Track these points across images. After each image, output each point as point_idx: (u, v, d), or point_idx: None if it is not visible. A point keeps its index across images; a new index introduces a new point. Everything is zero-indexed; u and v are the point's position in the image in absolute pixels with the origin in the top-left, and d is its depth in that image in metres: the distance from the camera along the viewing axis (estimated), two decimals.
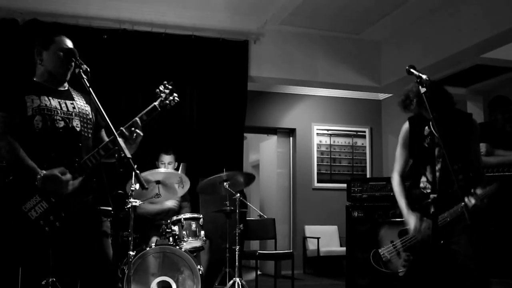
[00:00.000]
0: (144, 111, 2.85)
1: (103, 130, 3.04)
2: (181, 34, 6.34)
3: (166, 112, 5.93)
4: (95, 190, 2.81)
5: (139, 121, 2.81)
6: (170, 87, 2.93)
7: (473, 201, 2.86)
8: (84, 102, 2.93)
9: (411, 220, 3.06)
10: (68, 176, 2.62)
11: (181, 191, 4.62)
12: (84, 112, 2.88)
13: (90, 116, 2.92)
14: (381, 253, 3.27)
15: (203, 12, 6.29)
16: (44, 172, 2.58)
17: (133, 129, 2.78)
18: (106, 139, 3.01)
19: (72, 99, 2.89)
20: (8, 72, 5.46)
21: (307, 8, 6.19)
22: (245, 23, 6.54)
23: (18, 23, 5.75)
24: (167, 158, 5.18)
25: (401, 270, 3.12)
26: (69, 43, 2.87)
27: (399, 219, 3.18)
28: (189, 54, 6.35)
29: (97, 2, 5.98)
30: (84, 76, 2.63)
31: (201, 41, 6.39)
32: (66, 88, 2.92)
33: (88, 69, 2.66)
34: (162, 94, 2.91)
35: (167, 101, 2.91)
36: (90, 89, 2.59)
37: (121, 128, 2.75)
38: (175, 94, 2.93)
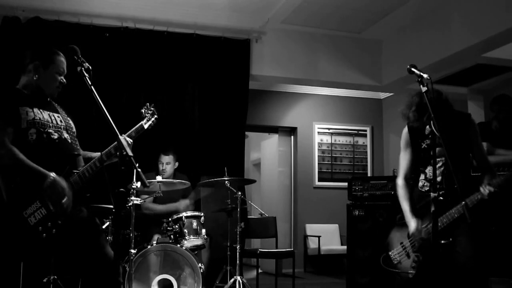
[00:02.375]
0: (133, 129, 3.09)
1: None
2: (183, 33, 6.34)
3: (168, 110, 5.98)
4: (87, 202, 2.86)
5: (128, 139, 2.94)
6: (152, 109, 3.25)
7: (487, 190, 2.88)
8: (66, 115, 3.01)
9: (412, 223, 3.14)
10: (71, 188, 2.68)
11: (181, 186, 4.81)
12: (69, 125, 2.96)
13: (74, 130, 2.99)
14: (392, 256, 3.28)
15: (205, 10, 6.29)
16: (56, 176, 2.62)
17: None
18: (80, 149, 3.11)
19: (57, 112, 2.96)
20: (10, 70, 5.47)
21: (308, 7, 6.19)
22: (246, 22, 6.54)
23: (20, 21, 5.76)
24: (166, 159, 5.27)
25: (411, 271, 3.13)
26: (64, 65, 2.94)
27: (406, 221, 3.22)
28: (190, 52, 6.35)
29: (99, 0, 5.98)
30: (86, 75, 2.63)
31: (202, 39, 6.40)
32: (49, 100, 2.97)
33: (90, 67, 2.67)
34: (146, 115, 3.22)
35: (150, 122, 3.22)
36: (92, 87, 2.59)
37: (109, 147, 2.85)
38: (156, 116, 3.25)
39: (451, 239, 2.93)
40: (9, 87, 2.87)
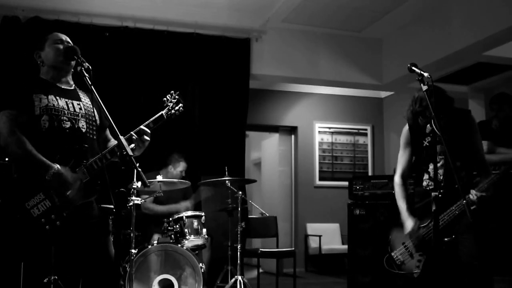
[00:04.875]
0: (151, 119, 2.88)
1: (107, 129, 3.06)
2: (183, 32, 6.34)
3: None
4: (98, 192, 2.81)
5: (146, 128, 2.82)
6: (177, 97, 2.97)
7: (475, 196, 2.88)
8: (90, 102, 2.94)
9: (408, 223, 3.14)
10: (77, 179, 2.64)
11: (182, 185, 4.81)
12: (90, 113, 2.89)
13: (96, 118, 2.92)
14: (394, 257, 3.26)
15: (205, 9, 6.28)
16: (59, 167, 2.59)
17: (142, 135, 2.80)
18: (111, 138, 3.04)
19: (79, 99, 2.90)
20: (11, 70, 5.47)
21: (308, 6, 6.19)
22: (247, 21, 6.54)
23: (20, 21, 5.75)
24: (185, 166, 5.38)
25: (415, 271, 3.12)
26: (63, 36, 2.90)
27: None
28: (191, 51, 6.35)
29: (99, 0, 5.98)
30: (86, 74, 2.62)
31: (203, 38, 6.39)
32: (72, 88, 2.93)
33: (90, 67, 2.65)
34: (169, 104, 2.96)
35: (174, 111, 2.96)
36: (92, 87, 2.58)
37: (131, 132, 2.77)
38: (181, 104, 2.97)
39: (453, 236, 2.93)
40: (24, 75, 2.84)
